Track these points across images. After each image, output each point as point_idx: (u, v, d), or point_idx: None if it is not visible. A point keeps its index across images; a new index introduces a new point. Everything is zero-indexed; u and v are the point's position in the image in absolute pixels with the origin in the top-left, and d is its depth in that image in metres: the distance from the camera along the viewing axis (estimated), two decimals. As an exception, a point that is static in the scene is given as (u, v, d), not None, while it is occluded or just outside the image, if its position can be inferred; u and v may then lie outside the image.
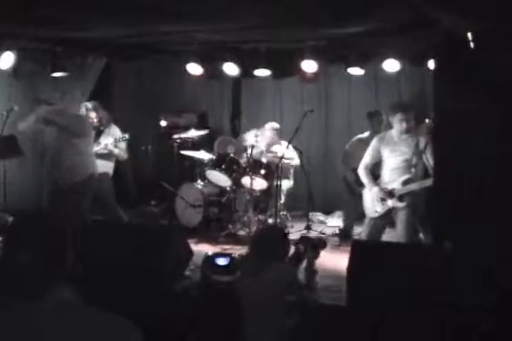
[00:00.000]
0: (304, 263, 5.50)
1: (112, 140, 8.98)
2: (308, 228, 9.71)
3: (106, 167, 9.05)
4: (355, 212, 9.04)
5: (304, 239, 5.73)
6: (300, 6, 6.01)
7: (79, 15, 6.54)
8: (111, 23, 7.05)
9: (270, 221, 9.45)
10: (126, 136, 9.11)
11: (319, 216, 10.77)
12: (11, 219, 8.31)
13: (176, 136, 10.35)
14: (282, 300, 5.11)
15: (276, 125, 10.06)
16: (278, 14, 6.42)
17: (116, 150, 9.06)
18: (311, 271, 5.36)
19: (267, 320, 5.01)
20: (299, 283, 5.26)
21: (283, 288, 5.12)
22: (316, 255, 5.50)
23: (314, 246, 5.51)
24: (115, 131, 9.21)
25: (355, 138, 9.56)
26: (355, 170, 8.25)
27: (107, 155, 9.04)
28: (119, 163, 9.63)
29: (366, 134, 9.37)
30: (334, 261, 7.75)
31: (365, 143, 8.21)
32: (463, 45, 5.75)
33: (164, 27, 7.37)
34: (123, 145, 9.17)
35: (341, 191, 10.18)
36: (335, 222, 10.33)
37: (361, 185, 7.99)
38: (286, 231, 5.57)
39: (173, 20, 6.88)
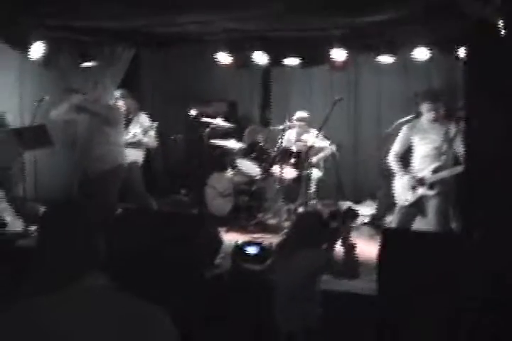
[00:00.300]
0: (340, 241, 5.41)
1: (141, 129, 9.03)
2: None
3: (136, 155, 9.11)
4: (389, 200, 8.93)
5: (332, 213, 5.62)
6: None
7: (105, 5, 6.56)
8: (137, 12, 7.06)
9: (300, 210, 9.45)
10: (155, 124, 9.15)
11: (349, 205, 10.75)
12: (42, 209, 8.38)
13: (206, 124, 10.36)
14: (313, 287, 5.13)
15: (305, 114, 10.02)
16: (297, 3, 6.42)
17: (145, 139, 9.12)
18: (348, 245, 5.28)
19: (296, 307, 5.03)
20: (336, 267, 5.21)
21: (314, 275, 5.13)
22: (349, 228, 5.40)
23: (344, 218, 5.42)
24: (144, 119, 9.26)
25: (397, 122, 9.32)
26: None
27: (136, 144, 9.09)
28: (149, 152, 9.69)
29: (409, 117, 9.16)
30: (365, 249, 7.76)
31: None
32: (494, 33, 5.70)
33: (191, 16, 7.37)
34: (152, 133, 9.22)
35: (371, 180, 10.16)
36: (365, 211, 10.31)
37: None
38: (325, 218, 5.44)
39: (199, 10, 6.88)
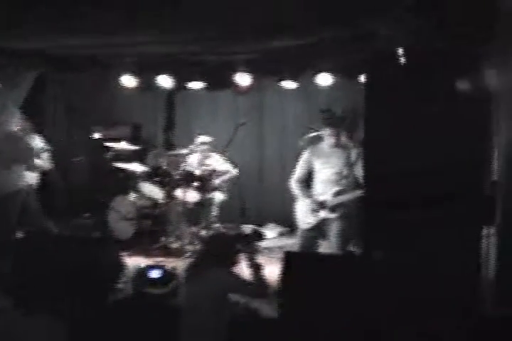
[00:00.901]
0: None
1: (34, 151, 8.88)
2: (241, 240, 9.75)
3: (31, 178, 8.93)
4: None
5: (239, 235, 5.72)
6: (232, 20, 6.08)
7: (11, 24, 6.48)
8: (43, 33, 6.99)
9: (203, 233, 9.46)
10: (46, 147, 9.01)
11: (253, 228, 10.78)
12: None
13: (109, 148, 10.28)
14: (222, 305, 5.15)
15: (208, 138, 10.06)
16: (209, 28, 6.48)
17: (39, 162, 8.94)
18: (255, 265, 5.36)
19: (206, 325, 5.05)
20: (243, 285, 5.26)
21: (224, 296, 5.17)
22: (254, 249, 5.49)
23: (249, 240, 5.51)
24: (37, 142, 9.09)
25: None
26: None
27: (29, 167, 8.91)
28: (50, 175, 9.53)
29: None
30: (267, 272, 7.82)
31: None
32: (394, 61, 5.87)
33: (98, 39, 7.33)
34: (45, 156, 9.07)
35: (274, 203, 10.25)
36: (268, 234, 10.36)
37: None
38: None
39: (107, 33, 6.86)
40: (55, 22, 6.38)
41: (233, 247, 5.41)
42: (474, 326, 5.34)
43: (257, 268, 5.34)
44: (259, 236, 5.69)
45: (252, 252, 5.42)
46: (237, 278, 5.31)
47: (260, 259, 6.16)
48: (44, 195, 9.29)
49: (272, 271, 7.03)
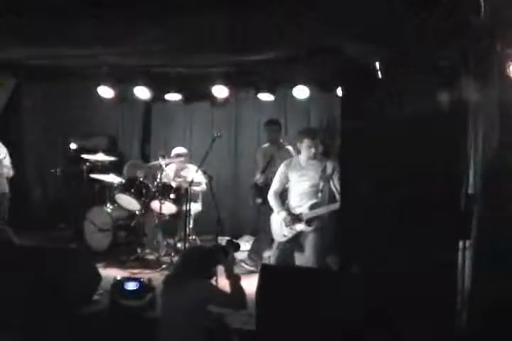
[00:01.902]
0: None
1: None
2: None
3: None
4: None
5: (214, 248, 5.73)
6: (207, 33, 6.11)
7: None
8: (19, 43, 6.97)
9: (179, 245, 9.45)
10: (2, 154, 9.00)
11: (229, 238, 10.73)
12: None
13: (85, 159, 10.26)
14: (199, 318, 5.14)
15: (184, 150, 10.08)
16: (186, 40, 6.50)
17: (4, 169, 8.94)
18: (233, 277, 5.35)
19: (183, 338, 5.04)
20: (222, 297, 5.25)
21: (202, 308, 5.16)
22: (231, 260, 5.50)
23: (226, 251, 5.51)
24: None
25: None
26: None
27: None
28: (26, 185, 9.50)
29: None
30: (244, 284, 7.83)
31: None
32: (370, 74, 5.92)
33: (74, 50, 7.33)
34: (7, 162, 9.05)
35: (250, 215, 10.27)
36: (244, 246, 10.35)
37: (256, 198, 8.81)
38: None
39: (83, 43, 6.86)
40: (30, 32, 6.37)
41: (210, 259, 5.41)
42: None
43: (234, 279, 5.34)
44: (235, 247, 5.69)
45: (229, 264, 5.43)
46: (215, 290, 5.32)
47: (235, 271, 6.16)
48: (23, 205, 9.26)
49: (248, 283, 7.06)
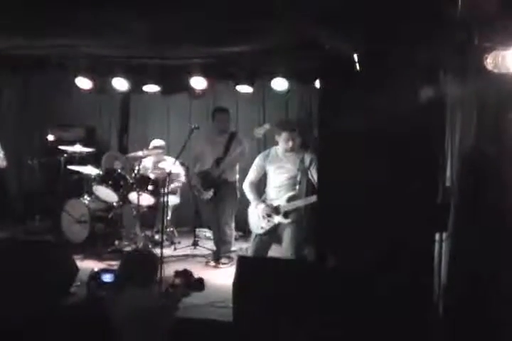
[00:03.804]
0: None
1: None
2: (195, 244, 9.78)
3: None
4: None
5: (184, 273, 5.56)
6: (186, 25, 6.11)
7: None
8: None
9: (157, 237, 9.45)
10: None
11: (206, 232, 10.75)
12: None
13: (62, 150, 10.21)
14: (141, 324, 5.01)
15: (161, 142, 10.09)
16: (165, 32, 6.50)
17: None
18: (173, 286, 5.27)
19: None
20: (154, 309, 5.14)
21: (143, 316, 5.00)
22: (187, 294, 5.37)
23: (189, 285, 5.37)
24: None
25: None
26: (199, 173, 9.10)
27: None
28: (2, 177, 9.45)
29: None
30: (220, 276, 7.86)
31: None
32: (348, 66, 5.94)
33: (52, 40, 7.30)
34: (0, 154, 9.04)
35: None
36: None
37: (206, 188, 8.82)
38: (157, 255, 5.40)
39: (61, 34, 6.83)
40: (7, 23, 6.34)
41: (148, 267, 5.27)
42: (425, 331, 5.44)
43: (175, 287, 5.25)
44: (201, 286, 5.55)
45: (182, 295, 5.32)
46: (151, 301, 5.15)
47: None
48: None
49: (227, 275, 7.08)
